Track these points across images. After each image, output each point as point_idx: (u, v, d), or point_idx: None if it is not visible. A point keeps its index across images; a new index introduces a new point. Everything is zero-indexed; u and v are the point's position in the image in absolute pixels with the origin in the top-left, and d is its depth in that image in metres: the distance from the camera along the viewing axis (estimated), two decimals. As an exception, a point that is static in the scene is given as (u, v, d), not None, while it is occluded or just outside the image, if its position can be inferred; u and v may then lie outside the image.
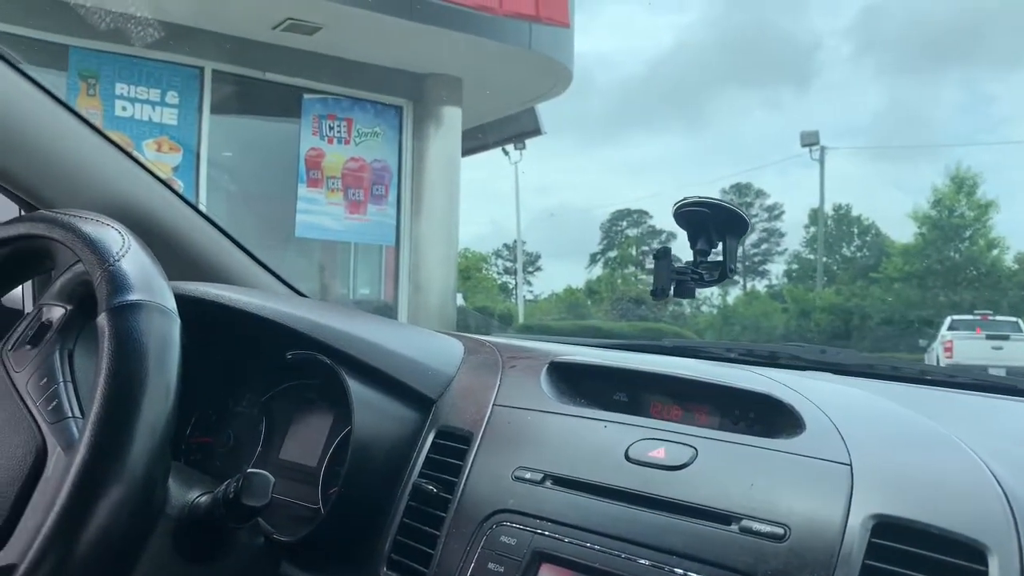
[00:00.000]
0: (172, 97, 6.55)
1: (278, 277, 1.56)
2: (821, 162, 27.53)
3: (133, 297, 0.80)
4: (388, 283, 7.76)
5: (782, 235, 38.06)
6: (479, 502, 0.94)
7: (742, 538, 0.76)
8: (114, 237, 0.86)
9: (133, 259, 0.84)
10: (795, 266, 35.30)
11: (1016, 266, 25.84)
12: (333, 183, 7.28)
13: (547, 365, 1.11)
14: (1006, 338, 14.57)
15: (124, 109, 6.34)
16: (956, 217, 25.88)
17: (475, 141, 9.05)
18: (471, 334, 1.38)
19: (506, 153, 27.24)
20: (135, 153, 1.50)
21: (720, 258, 1.17)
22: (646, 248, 38.08)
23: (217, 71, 6.73)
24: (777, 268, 37.46)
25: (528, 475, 0.92)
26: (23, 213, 1.43)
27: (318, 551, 1.05)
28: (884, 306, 22.80)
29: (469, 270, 33.61)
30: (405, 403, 1.11)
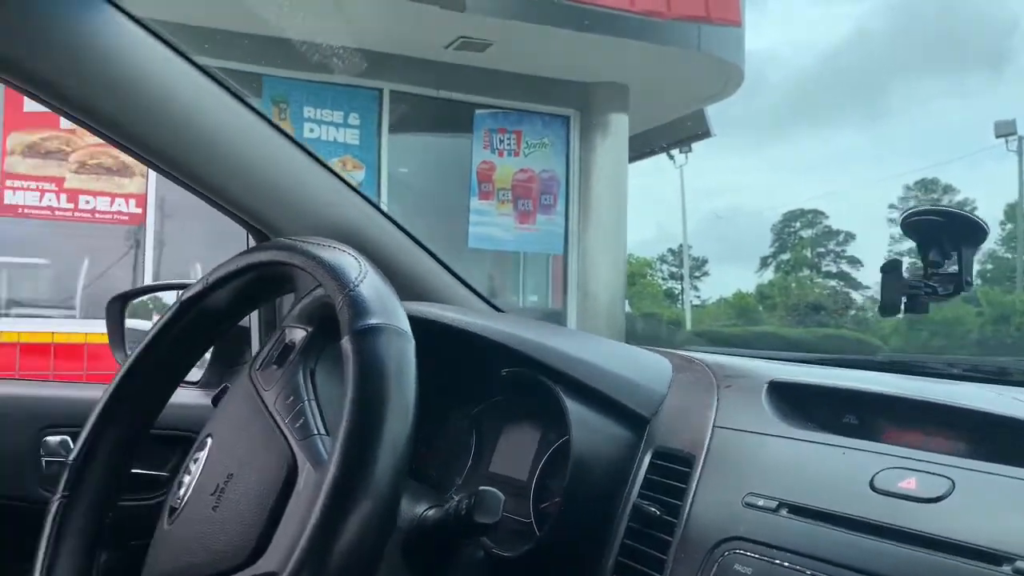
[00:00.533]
0: (354, 118, 6.91)
1: (476, 292, 1.60)
2: (1019, 153, 25.22)
3: (373, 321, 0.84)
4: (555, 290, 7.82)
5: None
6: (707, 528, 0.92)
7: None
8: (351, 263, 0.90)
9: (371, 284, 0.88)
10: (989, 266, 32.63)
11: None
12: (503, 195, 7.43)
13: (767, 385, 1.08)
14: None
15: (312, 131, 6.75)
16: None
17: (643, 146, 8.96)
18: (676, 350, 1.35)
19: (671, 157, 26.94)
20: (342, 173, 1.58)
21: (954, 269, 1.10)
22: (821, 250, 36.40)
23: (394, 91, 7.03)
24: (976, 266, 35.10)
25: (760, 502, 0.89)
26: (249, 236, 1.54)
27: (537, 567, 1.06)
28: None
29: (634, 276, 33.36)
30: (619, 422, 1.11)
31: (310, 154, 1.51)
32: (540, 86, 7.40)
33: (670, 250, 36.83)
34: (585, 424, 1.08)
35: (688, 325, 25.06)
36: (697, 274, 40.19)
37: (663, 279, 38.59)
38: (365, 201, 1.54)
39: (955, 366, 1.26)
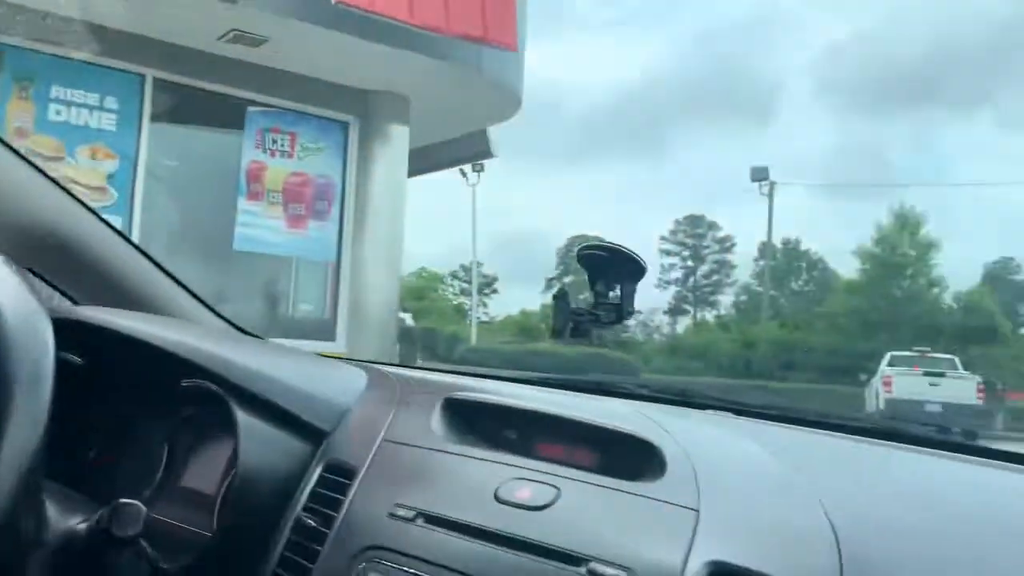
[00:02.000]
0: (111, 102, 6.40)
1: (203, 303, 1.55)
2: (770, 196, 28.24)
3: None
4: (332, 301, 7.67)
5: (733, 267, 38.78)
6: (354, 537, 0.95)
7: None
8: None
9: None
10: (744, 298, 35.84)
11: (955, 305, 26.62)
12: (274, 197, 7.16)
13: (441, 401, 1.13)
14: (942, 375, 14.83)
15: (58, 113, 6.17)
16: (899, 255, 26.62)
17: (425, 161, 9.01)
18: (382, 364, 1.39)
19: (464, 175, 27.23)
20: (50, 172, 1.48)
21: (617, 300, 1.21)
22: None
23: (159, 79, 6.60)
24: (727, 299, 38.08)
25: (402, 512, 0.94)
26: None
27: None
28: (827, 340, 23.56)
29: (424, 290, 33.42)
30: (296, 435, 1.12)
31: (6, 146, 1.39)
32: (318, 88, 7.22)
33: (462, 266, 37.44)
34: (255, 436, 1.08)
35: (473, 341, 25.50)
36: (487, 291, 41.04)
37: (454, 294, 39.05)
38: (79, 204, 1.45)
39: (646, 387, 1.37)
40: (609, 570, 0.78)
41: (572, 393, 1.28)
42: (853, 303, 26.30)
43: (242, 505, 1.03)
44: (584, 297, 1.25)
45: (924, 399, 13.64)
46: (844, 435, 1.13)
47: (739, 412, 1.20)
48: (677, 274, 40.34)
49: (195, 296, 1.54)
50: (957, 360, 16.41)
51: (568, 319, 1.21)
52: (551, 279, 38.06)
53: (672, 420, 1.02)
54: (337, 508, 1.00)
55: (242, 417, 1.07)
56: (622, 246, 1.20)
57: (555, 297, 1.24)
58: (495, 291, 41.10)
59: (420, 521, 0.92)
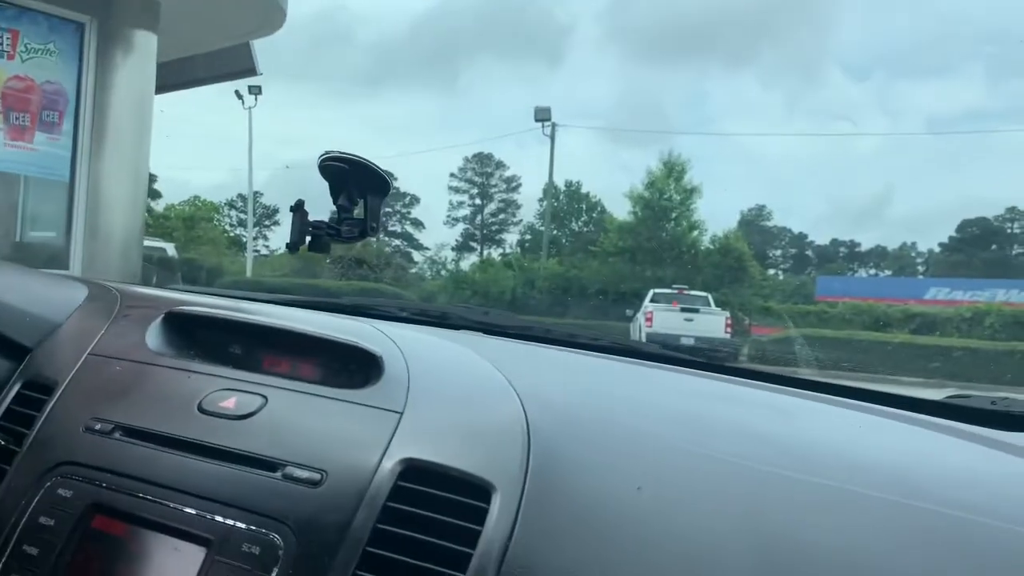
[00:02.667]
0: None
1: None
2: (552, 138, 28.95)
3: None
4: (66, 225, 6.76)
5: (519, 207, 39.59)
6: (46, 454, 0.90)
7: (283, 484, 0.79)
8: None
9: None
10: (528, 237, 36.77)
11: (712, 247, 28.06)
12: (-10, 103, 6.15)
13: (162, 315, 1.08)
14: (696, 311, 16.07)
15: None
16: (665, 199, 28.17)
17: (182, 75, 8.26)
18: (104, 281, 1.30)
19: (239, 96, 25.70)
20: None
21: (361, 215, 1.18)
22: (388, 210, 37.85)
23: None
24: (512, 238, 38.92)
25: (99, 426, 0.90)
26: None
27: None
28: (599, 278, 24.45)
29: (196, 220, 31.56)
30: None
31: None
32: (48, -19, 6.23)
33: (240, 196, 35.67)
34: None
35: (248, 273, 24.54)
36: (267, 223, 39.42)
37: (231, 225, 37.19)
38: None
39: (405, 309, 1.38)
40: (303, 472, 0.78)
41: (323, 314, 1.26)
42: (624, 243, 27.53)
43: None
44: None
45: (679, 333, 14.69)
46: (574, 350, 1.20)
47: (489, 332, 1.24)
48: (465, 211, 40.88)
49: None
50: (710, 297, 17.97)
51: (305, 232, 1.16)
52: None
53: (406, 334, 1.03)
54: (31, 425, 0.94)
55: None
56: (367, 160, 1.15)
57: (292, 209, 1.17)
58: (276, 223, 39.69)
59: (118, 434, 0.89)
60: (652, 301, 16.87)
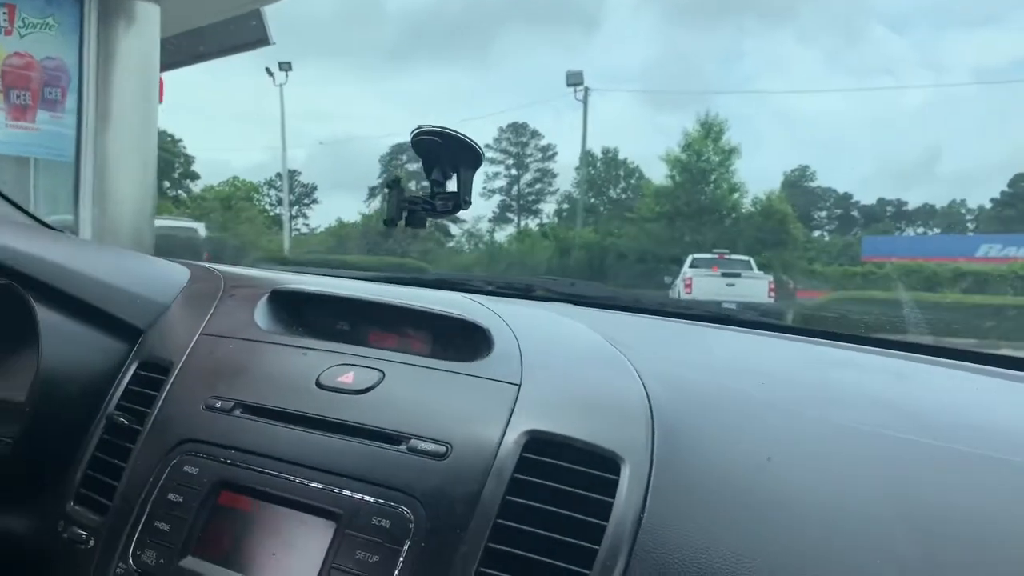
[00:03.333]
0: None
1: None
2: (585, 102, 27.89)
3: None
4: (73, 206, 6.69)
5: (555, 176, 38.56)
6: (168, 433, 0.92)
7: (408, 457, 0.79)
8: None
9: None
10: (565, 206, 36.20)
11: (753, 209, 27.02)
12: (-10, 82, 6.05)
13: (268, 294, 1.09)
14: (738, 276, 15.31)
15: None
16: (703, 161, 26.86)
17: (190, 49, 8.09)
18: (207, 264, 1.32)
19: (270, 74, 25.58)
20: None
21: (455, 189, 1.17)
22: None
23: None
24: (549, 207, 38.53)
25: (219, 404, 0.91)
26: None
27: (2, 489, 0.99)
28: (636, 245, 23.76)
29: (234, 199, 31.86)
30: (108, 333, 1.06)
31: None
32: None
33: (278, 175, 35.78)
34: (62, 335, 1.01)
35: (286, 251, 24.72)
36: (307, 201, 39.61)
37: (271, 205, 37.50)
38: None
39: (492, 283, 1.38)
40: (429, 445, 0.79)
41: (414, 288, 1.27)
42: (661, 208, 26.65)
43: (45, 408, 0.97)
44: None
45: (721, 298, 13.92)
46: (670, 319, 1.19)
47: (578, 303, 1.23)
48: (501, 183, 39.76)
49: None
50: (752, 261, 17.14)
51: (402, 207, 1.15)
52: (374, 188, 37.16)
53: (506, 307, 1.03)
54: (151, 405, 0.96)
55: (44, 315, 1.00)
56: (458, 132, 1.15)
57: (388, 185, 1.17)
58: (315, 201, 39.82)
59: (238, 412, 0.90)
60: (691, 267, 16.16)
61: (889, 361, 1.04)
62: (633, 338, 0.98)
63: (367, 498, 0.77)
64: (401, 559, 0.73)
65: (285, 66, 25.52)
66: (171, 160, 31.78)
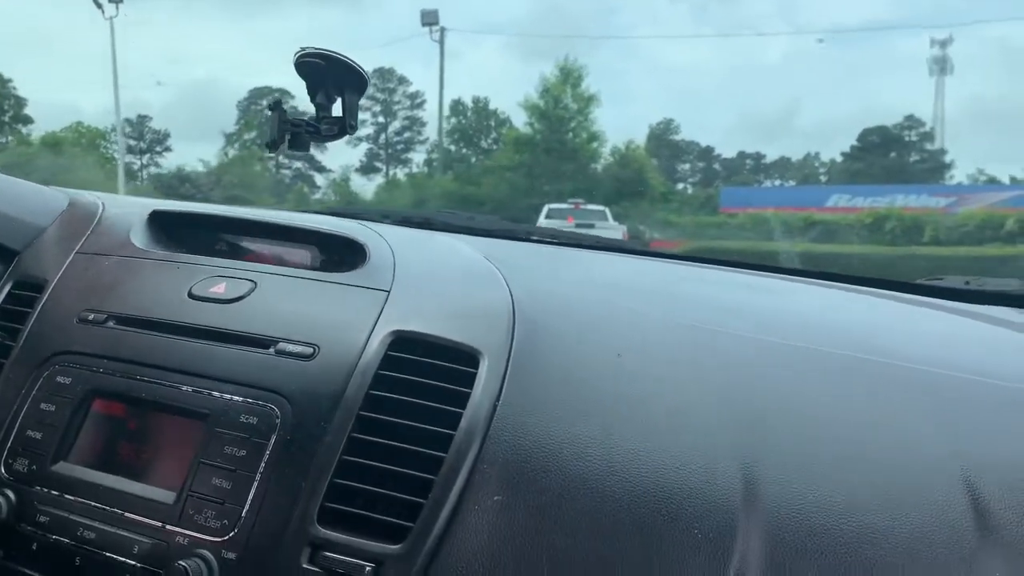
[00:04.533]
0: None
1: None
2: (441, 43, 27.00)
3: None
4: None
5: (424, 124, 37.37)
6: (41, 347, 0.93)
7: (277, 359, 0.82)
8: None
9: None
10: (435, 156, 35.38)
11: (612, 159, 27.07)
12: None
13: (149, 213, 1.10)
14: (591, 226, 14.62)
15: None
16: (561, 108, 26.35)
17: None
18: (87, 192, 1.28)
19: (98, 6, 22.53)
20: None
21: (339, 113, 1.14)
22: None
23: None
24: (419, 157, 37.66)
25: (92, 316, 0.92)
26: None
27: None
28: (495, 193, 23.23)
29: (66, 145, 29.08)
30: None
31: None
32: None
33: (127, 120, 33.52)
34: None
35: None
36: (158, 149, 37.30)
37: (119, 154, 35.17)
38: None
39: (389, 216, 1.38)
40: (296, 347, 0.82)
41: (306, 215, 1.25)
42: (520, 156, 25.91)
43: None
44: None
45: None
46: (554, 246, 1.26)
47: (475, 234, 1.27)
48: (368, 131, 37.91)
49: None
50: (608, 211, 17.02)
51: (284, 130, 1.12)
52: (231, 134, 35.23)
53: (392, 231, 1.06)
54: (23, 321, 0.96)
55: None
56: (344, 55, 1.12)
57: (270, 107, 1.15)
58: (168, 148, 37.62)
59: (111, 323, 0.91)
60: (547, 217, 15.90)
61: (736, 276, 1.13)
62: (511, 257, 1.03)
63: (235, 398, 0.80)
64: (268, 452, 0.76)
65: None
66: None
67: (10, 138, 29.06)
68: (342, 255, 0.99)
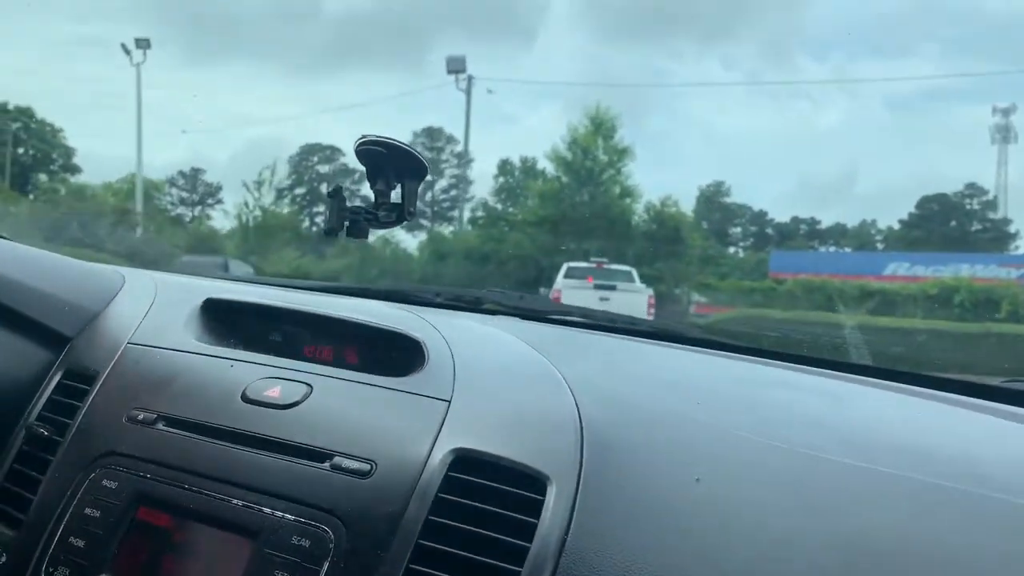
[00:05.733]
0: None
1: None
2: (468, 92, 25.52)
3: None
4: None
5: (470, 183, 36.40)
6: (89, 445, 0.89)
7: (331, 475, 0.78)
8: None
9: None
10: (480, 213, 33.85)
11: (645, 216, 24.59)
12: None
13: (201, 303, 1.08)
14: (613, 288, 13.46)
15: None
16: (590, 160, 24.00)
17: None
18: (141, 269, 1.29)
19: (127, 52, 22.24)
20: None
21: (398, 200, 1.14)
22: (340, 185, 35.60)
23: None
24: (466, 215, 37.08)
25: (141, 416, 0.89)
26: None
27: None
28: (518, 251, 21.63)
29: (87, 193, 28.52)
30: (34, 340, 1.03)
31: None
32: None
33: (181, 173, 33.95)
34: None
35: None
36: (211, 201, 37.67)
37: (172, 204, 35.51)
38: None
39: (440, 295, 1.38)
40: (352, 463, 0.78)
41: (358, 299, 1.26)
42: (544, 211, 23.58)
43: None
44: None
45: None
46: (613, 335, 1.20)
47: (525, 316, 1.24)
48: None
49: None
50: (634, 272, 15.25)
51: (343, 216, 1.11)
52: (282, 189, 35.65)
53: (445, 320, 1.03)
54: (73, 416, 0.93)
55: None
56: (404, 143, 1.11)
57: (330, 195, 1.14)
58: (220, 201, 37.92)
59: (161, 424, 0.88)
60: (566, 276, 14.14)
61: (822, 381, 1.05)
62: (571, 354, 0.98)
63: (287, 516, 0.76)
64: None
65: (143, 43, 22.75)
66: (48, 152, 29.67)
67: (59, 186, 29.12)
68: (400, 352, 0.96)
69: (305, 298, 1.20)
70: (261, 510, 0.78)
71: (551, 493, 0.72)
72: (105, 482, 0.85)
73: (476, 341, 1.01)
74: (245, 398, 0.88)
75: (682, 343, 1.20)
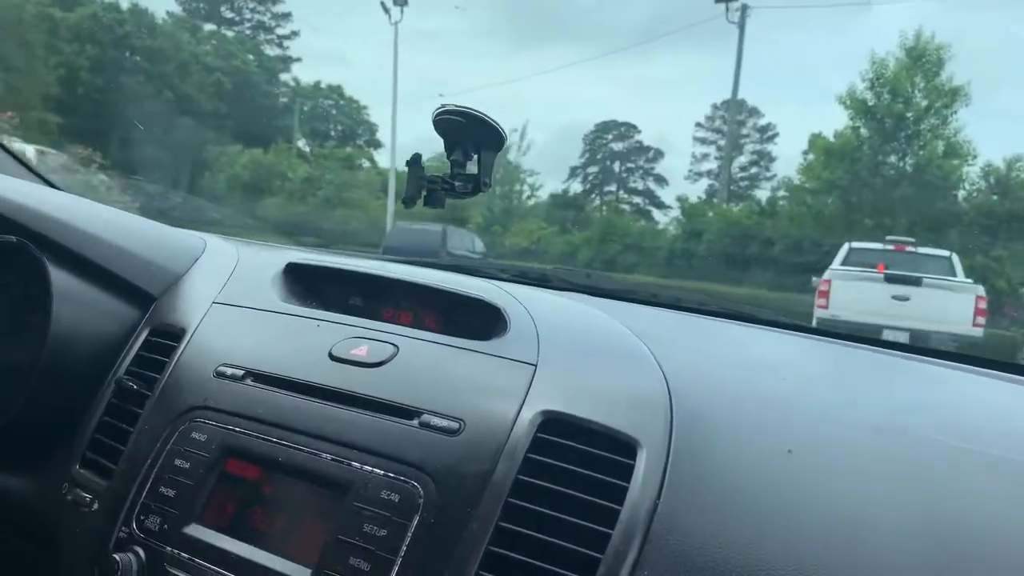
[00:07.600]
0: None
1: (13, 156, 1.42)
2: (741, 26, 19.78)
3: None
4: None
5: (773, 159, 31.40)
6: (177, 399, 0.91)
7: (420, 432, 0.77)
8: None
9: None
10: (781, 192, 23.71)
11: (981, 183, 17.09)
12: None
13: (283, 266, 1.09)
14: (917, 283, 8.32)
15: None
16: (901, 103, 16.87)
17: None
18: (221, 236, 1.32)
19: (385, 10, 21.24)
20: None
21: (474, 170, 1.14)
22: (631, 165, 33.14)
23: None
24: (764, 194, 31.43)
25: (229, 372, 0.90)
26: None
27: (8, 450, 0.98)
28: (792, 227, 16.57)
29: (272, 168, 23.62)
30: (122, 298, 1.05)
31: None
32: None
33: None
34: (74, 299, 1.00)
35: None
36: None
37: (391, 173, 36.30)
38: None
39: (506, 271, 1.34)
40: (441, 421, 0.77)
41: (428, 270, 1.22)
42: (831, 174, 17.28)
43: (54, 371, 0.96)
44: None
45: (880, 320, 7.90)
46: (689, 314, 1.18)
47: (593, 294, 1.21)
48: (711, 165, 32.39)
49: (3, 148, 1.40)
50: (956, 260, 9.30)
51: (421, 187, 1.11)
52: (575, 168, 32.64)
53: (523, 290, 1.03)
54: (161, 371, 0.95)
55: (57, 277, 0.98)
56: (482, 113, 1.10)
57: (408, 164, 1.13)
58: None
59: (249, 380, 0.88)
60: (844, 263, 9.22)
61: (919, 366, 1.02)
62: (652, 329, 0.97)
63: (377, 471, 0.76)
64: (409, 534, 0.71)
65: (400, 1, 21.25)
66: (353, 128, 31.11)
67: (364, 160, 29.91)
68: (480, 319, 0.95)
69: (381, 265, 1.19)
70: (351, 464, 0.77)
71: (641, 458, 0.71)
72: (194, 435, 0.86)
73: (555, 311, 1.00)
74: (332, 356, 0.88)
75: (758, 323, 1.16)
